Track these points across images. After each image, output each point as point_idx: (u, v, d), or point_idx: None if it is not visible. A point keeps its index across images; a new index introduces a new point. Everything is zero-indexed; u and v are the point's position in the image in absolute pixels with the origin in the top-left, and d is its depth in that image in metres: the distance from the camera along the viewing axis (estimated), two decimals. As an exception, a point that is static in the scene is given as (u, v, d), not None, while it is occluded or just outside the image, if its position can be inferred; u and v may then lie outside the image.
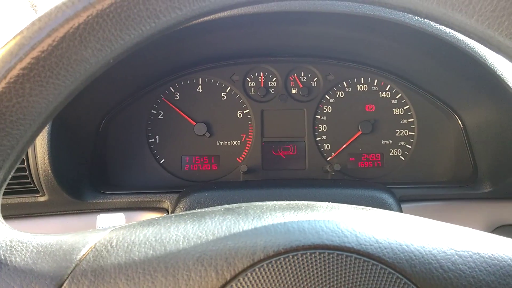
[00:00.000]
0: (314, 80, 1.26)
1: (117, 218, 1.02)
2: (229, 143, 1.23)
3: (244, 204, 0.52)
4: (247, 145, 1.23)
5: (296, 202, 0.53)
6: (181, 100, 1.23)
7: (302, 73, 1.27)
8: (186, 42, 1.10)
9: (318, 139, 1.25)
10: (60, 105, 0.43)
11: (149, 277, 0.42)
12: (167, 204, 1.07)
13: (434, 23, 0.84)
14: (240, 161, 1.22)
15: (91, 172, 1.08)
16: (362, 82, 1.27)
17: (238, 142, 1.23)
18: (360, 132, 1.24)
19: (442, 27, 0.88)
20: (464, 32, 0.43)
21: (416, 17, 0.87)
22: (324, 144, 1.25)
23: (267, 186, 1.06)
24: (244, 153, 1.23)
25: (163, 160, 1.21)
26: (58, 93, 0.41)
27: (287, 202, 0.53)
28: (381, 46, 1.12)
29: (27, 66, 0.39)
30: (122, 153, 1.19)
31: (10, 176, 0.44)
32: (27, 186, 0.96)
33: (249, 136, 1.23)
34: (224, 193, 0.99)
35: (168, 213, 1.07)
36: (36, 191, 0.97)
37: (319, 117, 1.25)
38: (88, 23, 0.40)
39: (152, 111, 1.22)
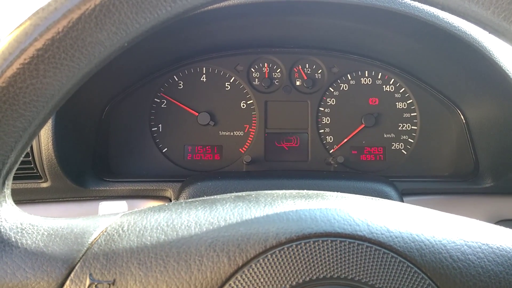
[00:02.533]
0: (319, 72, 1.26)
1: (120, 206, 1.02)
2: (232, 134, 1.23)
3: (254, 192, 0.52)
4: (250, 135, 1.23)
5: (306, 191, 0.53)
6: (184, 89, 1.22)
7: (307, 64, 1.26)
8: (191, 31, 1.09)
9: (321, 131, 1.25)
10: (73, 88, 0.42)
11: (161, 261, 0.42)
12: (169, 193, 1.07)
13: (444, 16, 0.84)
14: (243, 151, 1.22)
15: (93, 159, 1.08)
16: (366, 75, 1.27)
17: (241, 133, 1.23)
18: (363, 125, 1.24)
19: (451, 21, 0.88)
20: (479, 24, 0.43)
21: (426, 9, 0.86)
22: (327, 137, 1.25)
23: (270, 176, 1.06)
24: (247, 143, 1.23)
25: (166, 149, 1.21)
26: (72, 75, 0.41)
27: (297, 191, 0.53)
28: (387, 39, 1.12)
29: (41, 47, 0.38)
30: (124, 141, 1.19)
31: (21, 159, 0.44)
32: (30, 171, 0.95)
33: (252, 127, 1.23)
34: (227, 183, 0.99)
35: (171, 201, 1.07)
36: (39, 177, 0.96)
37: (322, 109, 1.25)
38: (104, 5, 0.39)
39: (155, 99, 1.21)
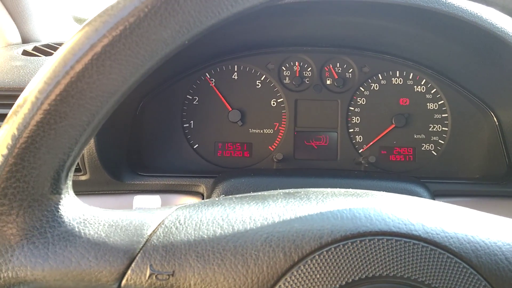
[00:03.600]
0: (349, 71, 1.26)
1: (153, 200, 1.04)
2: (262, 131, 1.23)
3: (302, 190, 0.53)
4: (280, 133, 1.24)
5: (354, 190, 0.53)
6: (216, 86, 1.23)
7: (338, 64, 1.26)
8: (224, 29, 1.10)
9: (350, 130, 1.24)
10: (134, 84, 0.44)
11: (219, 255, 0.43)
12: (202, 189, 1.08)
13: (487, 17, 0.83)
14: (272, 149, 1.23)
15: (128, 154, 1.10)
16: (398, 75, 1.26)
17: (271, 131, 1.24)
18: (393, 126, 1.24)
19: (494, 21, 0.87)
20: None
21: (469, 9, 0.86)
22: (357, 136, 1.24)
23: (302, 175, 1.07)
24: (276, 141, 1.23)
25: (197, 145, 1.22)
26: (135, 71, 0.42)
27: (345, 189, 0.53)
28: (420, 39, 1.11)
29: (109, 44, 0.40)
30: (157, 137, 1.21)
31: (83, 151, 0.46)
32: (70, 165, 0.98)
33: (282, 125, 1.24)
34: (260, 180, 1.00)
35: (204, 197, 1.08)
36: (78, 170, 0.99)
37: (352, 108, 1.25)
38: (170, 3, 0.40)
39: (188, 96, 1.23)
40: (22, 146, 0.40)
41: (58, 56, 0.40)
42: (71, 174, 0.46)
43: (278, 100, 1.25)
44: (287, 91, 1.24)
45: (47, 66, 0.40)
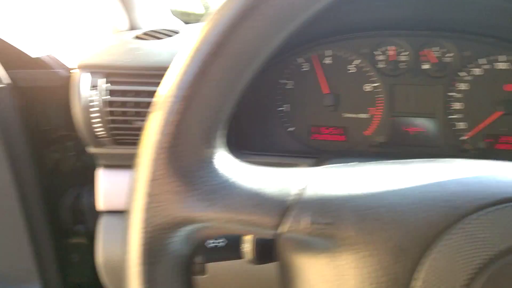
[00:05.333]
0: (449, 55, 1.21)
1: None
2: (356, 116, 1.22)
3: (442, 159, 0.52)
4: (375, 119, 1.21)
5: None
6: (309, 71, 1.24)
7: (436, 48, 1.21)
8: (322, 13, 1.10)
9: (450, 117, 1.19)
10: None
11: (374, 211, 0.43)
12: (302, 169, 1.09)
13: None
14: (367, 134, 1.21)
15: (229, 134, 1.14)
16: (502, 60, 1.19)
17: (365, 115, 1.22)
18: (498, 112, 1.17)
19: None
20: None
21: None
22: (457, 123, 1.19)
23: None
24: (371, 126, 1.21)
25: (292, 128, 1.24)
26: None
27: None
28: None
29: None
30: (252, 119, 1.23)
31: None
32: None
33: (377, 110, 1.22)
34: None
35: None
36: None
37: (452, 94, 1.20)
38: None
39: (281, 80, 1.24)
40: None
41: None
42: (224, 131, 0.49)
43: (373, 85, 1.22)
44: (382, 76, 1.22)
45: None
